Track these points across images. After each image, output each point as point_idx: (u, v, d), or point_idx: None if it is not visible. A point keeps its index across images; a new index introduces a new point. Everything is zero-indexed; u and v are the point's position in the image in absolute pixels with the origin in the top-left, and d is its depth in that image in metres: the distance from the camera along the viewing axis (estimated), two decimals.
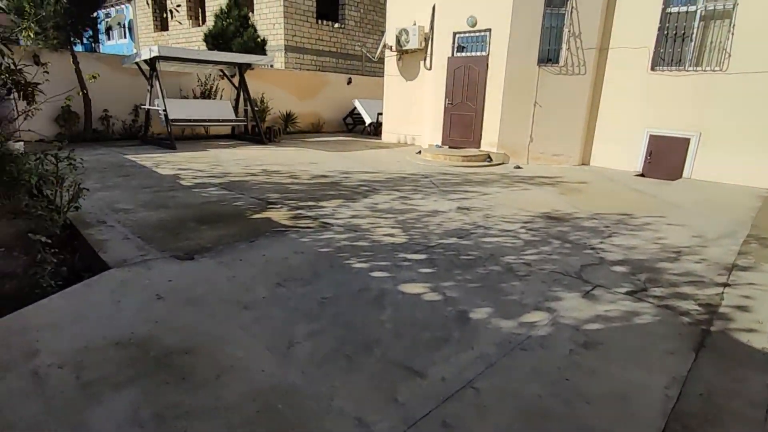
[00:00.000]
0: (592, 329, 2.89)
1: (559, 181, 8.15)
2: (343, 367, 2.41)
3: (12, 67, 5.79)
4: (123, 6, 25.42)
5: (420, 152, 10.62)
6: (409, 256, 4.05)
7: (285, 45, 16.63)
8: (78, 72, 10.76)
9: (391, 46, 12.82)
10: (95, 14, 10.65)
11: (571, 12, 9.14)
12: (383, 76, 20.37)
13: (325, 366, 2.41)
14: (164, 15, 21.70)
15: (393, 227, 4.92)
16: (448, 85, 10.31)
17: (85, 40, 11.46)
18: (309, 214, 5.29)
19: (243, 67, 12.06)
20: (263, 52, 13.45)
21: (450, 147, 10.58)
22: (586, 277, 3.74)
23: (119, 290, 3.17)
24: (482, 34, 9.74)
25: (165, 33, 21.67)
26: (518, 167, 9.37)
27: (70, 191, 4.88)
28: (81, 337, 2.59)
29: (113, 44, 27.21)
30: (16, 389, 2.13)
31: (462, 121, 10.30)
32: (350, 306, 3.10)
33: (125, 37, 26.47)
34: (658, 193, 7.37)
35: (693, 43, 8.33)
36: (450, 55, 10.24)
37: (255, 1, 17.13)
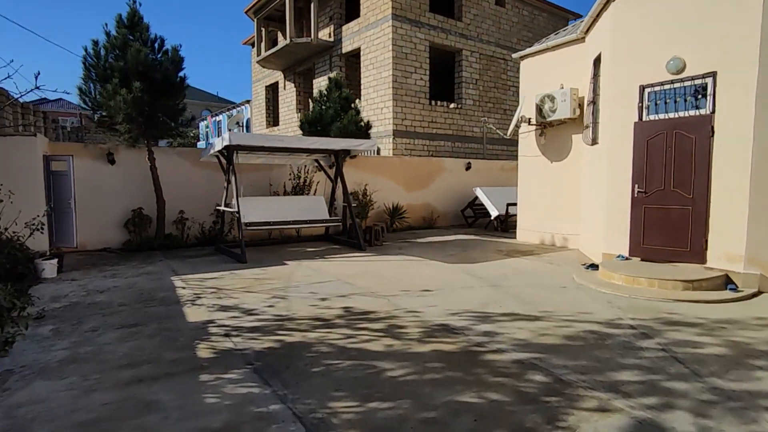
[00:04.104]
0: None
1: None
2: None
3: None
4: (243, 107, 26.53)
5: (595, 268, 6.75)
6: None
7: (394, 129, 14.48)
8: (153, 169, 9.20)
9: (528, 119, 9.63)
10: (178, 104, 9.21)
11: None
12: (510, 159, 17.09)
13: None
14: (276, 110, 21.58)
15: None
16: (636, 163, 6.58)
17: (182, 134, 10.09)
18: None
19: (340, 155, 9.70)
20: (366, 137, 11.18)
21: (643, 259, 6.57)
22: None
23: None
24: (698, 82, 6.06)
25: (276, 128, 21.40)
26: None
27: None
28: None
29: None
30: None
31: (666, 218, 6.35)
32: None
33: None
34: None
35: None
36: (637, 119, 6.63)
37: (362, 86, 15.60)
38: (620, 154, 6.84)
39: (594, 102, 8.03)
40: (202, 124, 32.39)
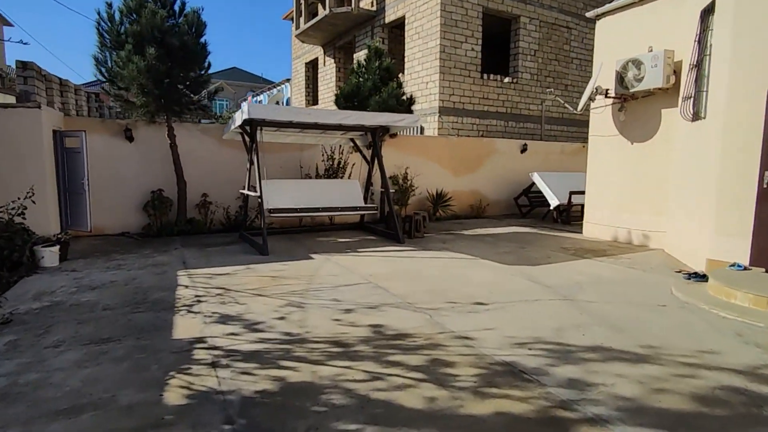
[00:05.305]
0: None
1: None
2: None
3: None
4: (283, 86, 25.75)
5: (701, 279, 5.22)
6: None
7: (440, 106, 13.04)
8: (173, 147, 8.36)
9: (606, 91, 7.99)
10: (201, 74, 8.28)
11: None
12: (571, 140, 15.19)
13: None
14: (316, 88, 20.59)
15: None
16: None
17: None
18: None
19: (378, 133, 8.48)
20: (409, 113, 9.88)
21: None
22: None
23: None
24: None
25: (315, 107, 20.39)
26: None
27: None
28: None
29: None
30: None
31: None
32: None
33: None
34: None
35: None
36: None
37: (406, 58, 14.20)
38: (742, 131, 5.21)
39: (699, 65, 6.34)
40: (244, 104, 32.04)
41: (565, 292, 4.96)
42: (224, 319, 4.05)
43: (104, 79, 8.00)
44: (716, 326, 3.97)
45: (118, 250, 7.18)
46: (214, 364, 3.15)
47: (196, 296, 4.74)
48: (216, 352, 3.35)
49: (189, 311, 4.27)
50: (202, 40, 8.06)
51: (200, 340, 3.59)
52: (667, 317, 4.21)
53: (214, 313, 4.21)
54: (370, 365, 3.14)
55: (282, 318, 4.09)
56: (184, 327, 3.87)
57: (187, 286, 5.10)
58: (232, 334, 3.70)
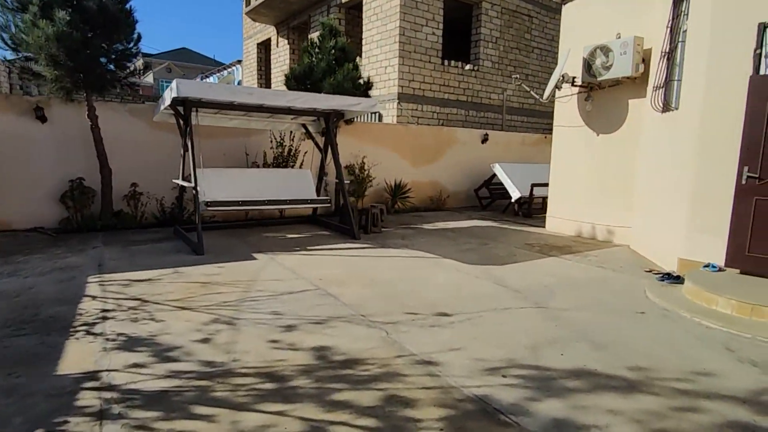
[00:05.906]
0: None
1: None
2: None
3: None
4: (234, 68, 24.27)
5: (675, 280, 4.89)
6: None
7: (399, 93, 12.38)
8: (94, 129, 7.27)
9: (572, 79, 7.59)
10: (131, 48, 7.21)
11: None
12: (531, 131, 15.00)
13: None
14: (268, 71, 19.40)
15: None
16: (748, 137, 4.62)
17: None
18: None
19: (332, 119, 7.73)
20: (366, 97, 9.16)
21: (746, 272, 4.70)
22: None
23: None
24: None
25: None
26: None
27: None
28: None
29: None
30: None
31: None
32: None
33: None
34: None
35: None
36: (752, 72, 4.63)
37: (364, 41, 13.41)
38: (719, 124, 4.88)
39: (671, 53, 6.00)
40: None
41: (535, 298, 4.48)
42: (131, 343, 3.26)
43: (6, 47, 6.79)
44: (703, 339, 3.58)
45: (23, 250, 6.10)
46: (101, 414, 2.39)
47: (103, 311, 3.88)
48: (109, 395, 2.58)
49: (88, 332, 3.43)
50: (128, 6, 6.98)
51: (92, 375, 2.80)
52: (648, 328, 3.79)
53: (119, 334, 3.40)
54: (309, 408, 2.48)
55: (205, 340, 3.34)
56: (75, 356, 3.05)
57: (95, 297, 4.23)
58: (137, 365, 2.93)
